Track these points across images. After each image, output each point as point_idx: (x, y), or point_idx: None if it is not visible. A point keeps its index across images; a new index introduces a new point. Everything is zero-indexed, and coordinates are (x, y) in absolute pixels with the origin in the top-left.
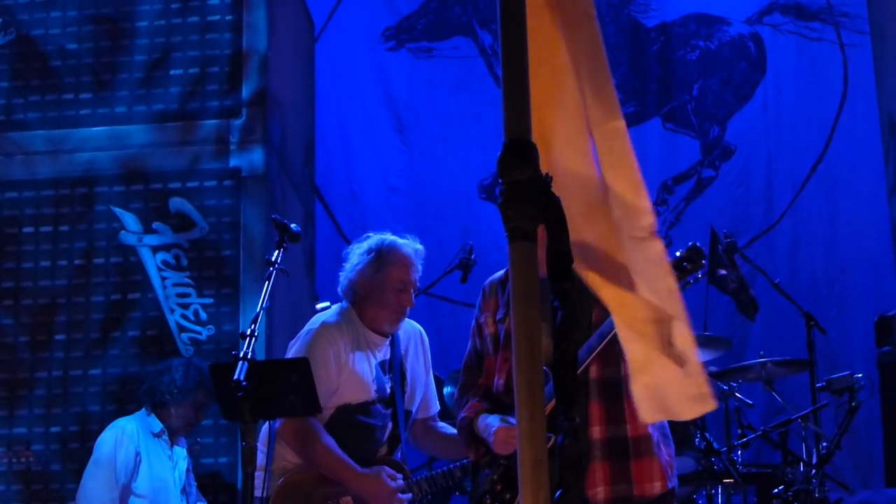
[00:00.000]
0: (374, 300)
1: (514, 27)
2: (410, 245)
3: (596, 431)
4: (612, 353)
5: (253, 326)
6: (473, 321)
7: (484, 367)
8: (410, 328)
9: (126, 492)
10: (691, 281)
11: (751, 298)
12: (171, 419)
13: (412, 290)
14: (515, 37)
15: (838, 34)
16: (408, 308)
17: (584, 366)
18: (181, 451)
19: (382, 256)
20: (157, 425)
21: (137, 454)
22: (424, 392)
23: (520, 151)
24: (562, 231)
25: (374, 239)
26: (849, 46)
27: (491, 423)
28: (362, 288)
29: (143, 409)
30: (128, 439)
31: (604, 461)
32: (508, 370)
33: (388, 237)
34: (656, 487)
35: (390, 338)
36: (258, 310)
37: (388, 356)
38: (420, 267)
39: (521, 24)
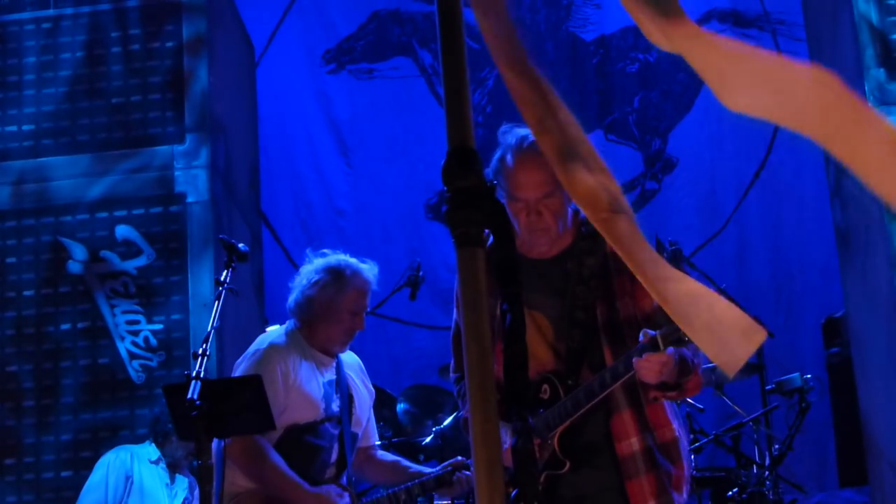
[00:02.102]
0: (328, 319)
1: (452, 35)
2: (370, 270)
3: (634, 444)
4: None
5: (204, 346)
6: (455, 288)
7: None
8: (351, 358)
9: None
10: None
11: None
12: (171, 447)
13: (363, 315)
14: (454, 46)
15: (775, 41)
16: (357, 331)
17: (599, 397)
18: (183, 481)
19: (344, 278)
20: (155, 453)
21: (128, 479)
22: (368, 420)
23: (463, 159)
24: (507, 236)
25: (334, 259)
26: (786, 53)
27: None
28: (318, 306)
29: (149, 439)
30: (119, 464)
31: (648, 473)
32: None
33: (350, 259)
34: (683, 494)
35: (336, 361)
36: (209, 329)
37: (334, 377)
38: (374, 292)
39: (459, 32)
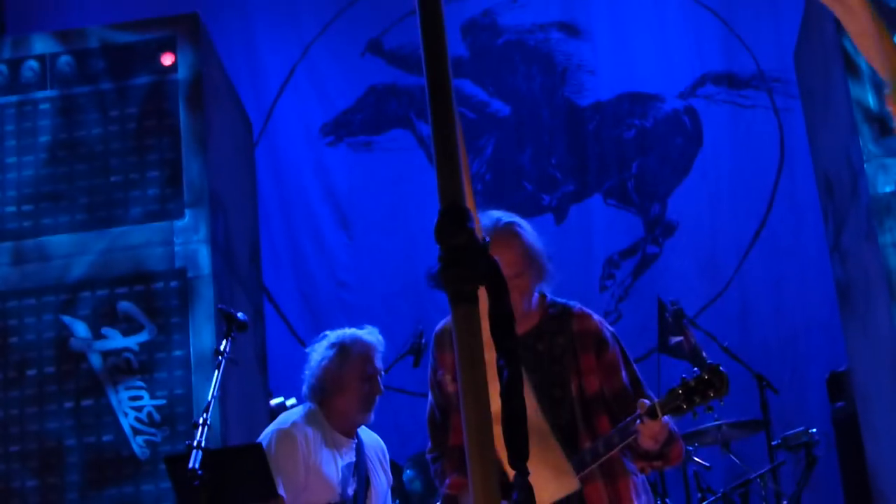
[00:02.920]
0: (342, 393)
1: (442, 95)
2: (371, 333)
3: None
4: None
5: (205, 415)
6: (430, 373)
7: (451, 425)
8: (373, 440)
9: None
10: (713, 406)
11: (703, 363)
12: None
13: (379, 378)
14: (443, 104)
15: (772, 99)
16: (377, 397)
17: (591, 467)
18: None
19: (346, 348)
20: None
21: None
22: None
23: (455, 217)
24: (502, 292)
25: (333, 334)
26: (783, 111)
27: None
28: (329, 383)
29: None
30: None
31: None
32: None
33: (348, 330)
34: None
35: (356, 442)
36: (209, 398)
37: (353, 459)
38: (382, 353)
39: (448, 91)
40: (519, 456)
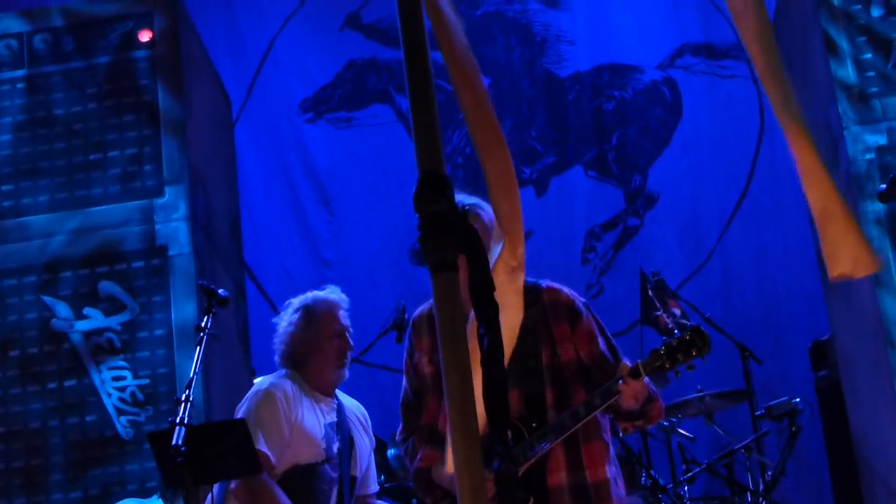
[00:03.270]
0: (314, 354)
1: (418, 64)
2: (333, 292)
3: (561, 477)
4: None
5: (187, 391)
6: (405, 356)
7: (425, 406)
8: (354, 404)
9: None
10: (695, 365)
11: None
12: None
13: (347, 335)
14: (420, 74)
15: (751, 69)
16: (349, 352)
17: (567, 433)
18: None
19: (310, 309)
20: None
21: None
22: (367, 466)
23: (434, 184)
24: (481, 260)
25: (297, 300)
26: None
27: None
28: (299, 346)
29: (157, 493)
30: None
31: None
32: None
33: (310, 293)
34: None
35: (336, 403)
36: (191, 374)
37: (335, 419)
38: (347, 311)
39: (425, 61)
40: (500, 424)
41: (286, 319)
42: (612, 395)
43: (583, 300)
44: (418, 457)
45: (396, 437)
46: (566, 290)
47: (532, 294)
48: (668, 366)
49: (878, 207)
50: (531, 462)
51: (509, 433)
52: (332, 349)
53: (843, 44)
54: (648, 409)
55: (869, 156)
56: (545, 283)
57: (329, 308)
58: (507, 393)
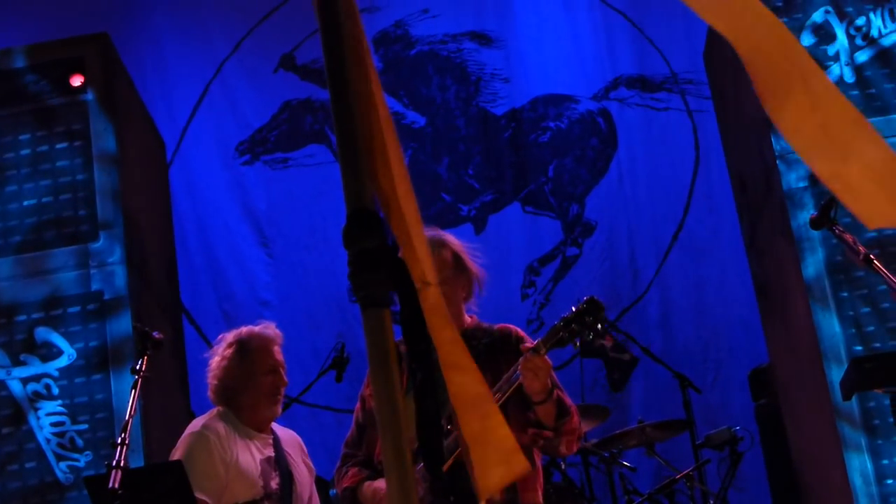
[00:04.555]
0: (247, 390)
1: (344, 102)
2: (267, 327)
3: (495, 496)
4: (517, 421)
5: (123, 435)
6: (358, 406)
7: (364, 440)
8: (289, 436)
9: None
10: (590, 337)
11: (632, 358)
12: None
13: (282, 371)
14: (347, 110)
15: (685, 101)
16: (283, 388)
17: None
18: None
19: (243, 344)
20: None
21: None
22: (310, 496)
23: (364, 221)
24: (412, 295)
25: (230, 334)
26: (696, 112)
27: (379, 486)
28: (232, 381)
29: None
30: None
31: None
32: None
33: (244, 328)
34: None
35: (273, 437)
36: (127, 417)
37: (272, 454)
38: (281, 346)
39: (351, 98)
40: (434, 460)
41: (219, 354)
42: (516, 379)
43: (530, 340)
44: (345, 475)
45: (344, 451)
46: (517, 329)
47: (486, 331)
48: (566, 336)
49: (812, 234)
50: (451, 461)
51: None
52: (265, 385)
53: None
54: (561, 424)
55: (802, 184)
56: (499, 325)
57: (263, 343)
58: (440, 426)
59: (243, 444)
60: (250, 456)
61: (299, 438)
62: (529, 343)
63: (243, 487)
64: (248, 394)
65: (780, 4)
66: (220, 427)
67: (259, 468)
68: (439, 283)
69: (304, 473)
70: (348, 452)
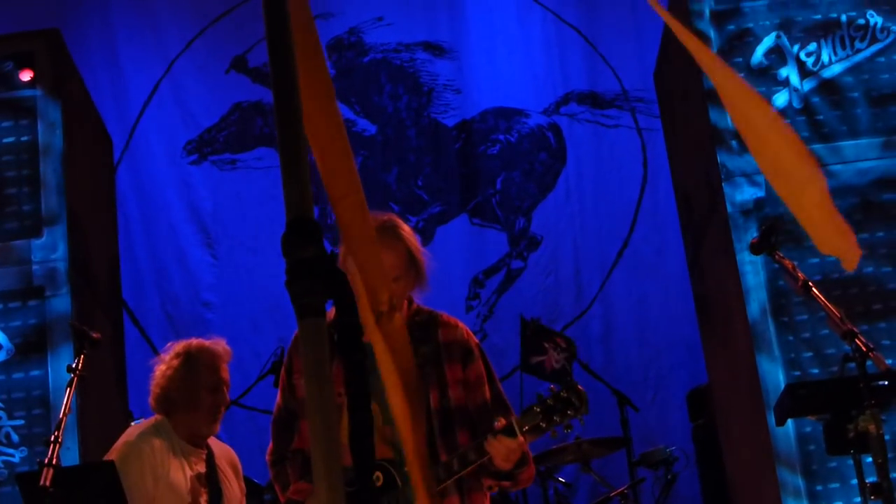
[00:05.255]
0: (188, 404)
1: (287, 105)
2: (217, 343)
3: None
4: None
5: (56, 433)
6: (282, 373)
7: (298, 429)
8: (224, 452)
9: None
10: (573, 426)
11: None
12: None
13: (225, 389)
14: (289, 115)
15: (635, 119)
16: (222, 408)
17: (444, 484)
18: None
19: (192, 358)
20: None
21: None
22: None
23: (303, 230)
24: (349, 304)
25: (179, 344)
26: (646, 130)
27: None
28: (174, 392)
29: None
30: None
31: None
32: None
33: (194, 340)
34: None
35: (207, 452)
36: (61, 415)
37: (203, 470)
38: (228, 364)
39: (294, 101)
40: (364, 470)
41: (166, 362)
42: (485, 453)
43: (477, 341)
44: (290, 489)
45: (267, 459)
46: (462, 326)
47: (427, 328)
48: (544, 426)
49: (755, 259)
50: None
51: (380, 476)
52: (207, 402)
53: None
54: (518, 473)
55: (747, 206)
56: (444, 315)
57: (211, 359)
58: (373, 438)
59: (176, 458)
60: (181, 471)
61: (235, 456)
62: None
63: (171, 502)
64: (189, 408)
65: (732, 28)
66: (155, 439)
67: (189, 484)
68: (393, 279)
69: (234, 491)
70: (282, 438)
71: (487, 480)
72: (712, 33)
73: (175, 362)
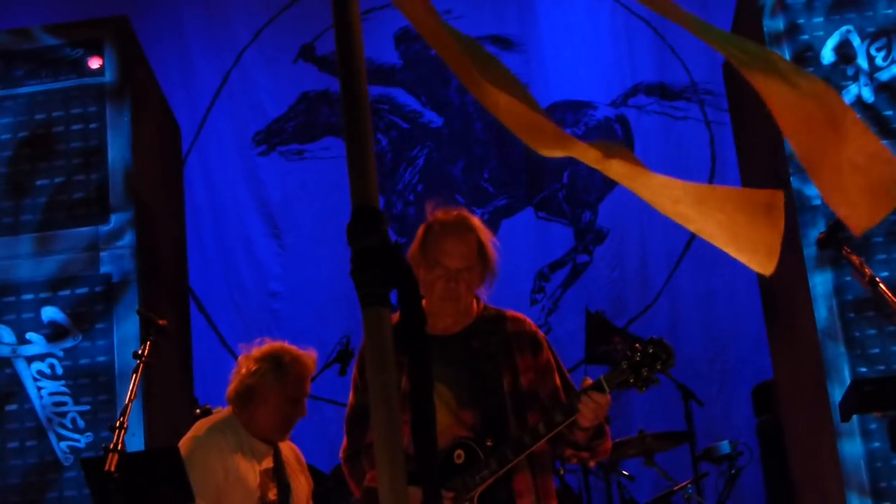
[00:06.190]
0: (268, 408)
1: (354, 95)
2: (310, 356)
3: (528, 502)
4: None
5: (122, 419)
6: (354, 371)
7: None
8: (289, 448)
9: None
10: (659, 379)
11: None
12: None
13: (304, 401)
14: (356, 105)
15: (703, 112)
16: (297, 419)
17: (529, 449)
18: None
19: (283, 365)
20: None
21: None
22: None
23: (367, 218)
24: (414, 294)
25: (274, 346)
26: (714, 124)
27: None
28: (258, 394)
29: None
30: None
31: None
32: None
33: (288, 346)
34: None
35: (273, 449)
36: (126, 401)
37: (271, 465)
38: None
39: (360, 89)
40: (426, 459)
41: (255, 360)
42: (573, 412)
43: (542, 334)
44: (367, 478)
45: (341, 455)
46: (529, 320)
47: (496, 322)
48: (632, 381)
49: (823, 254)
50: (489, 482)
51: (461, 454)
52: (286, 411)
53: None
54: (597, 444)
55: (816, 202)
56: (511, 312)
57: (302, 372)
58: (434, 428)
59: (244, 453)
60: (250, 466)
61: (299, 451)
62: (548, 352)
63: (240, 496)
64: (266, 412)
65: (801, 21)
66: (224, 434)
67: (258, 479)
68: (465, 269)
69: (302, 485)
70: (356, 434)
71: (568, 451)
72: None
73: (265, 364)
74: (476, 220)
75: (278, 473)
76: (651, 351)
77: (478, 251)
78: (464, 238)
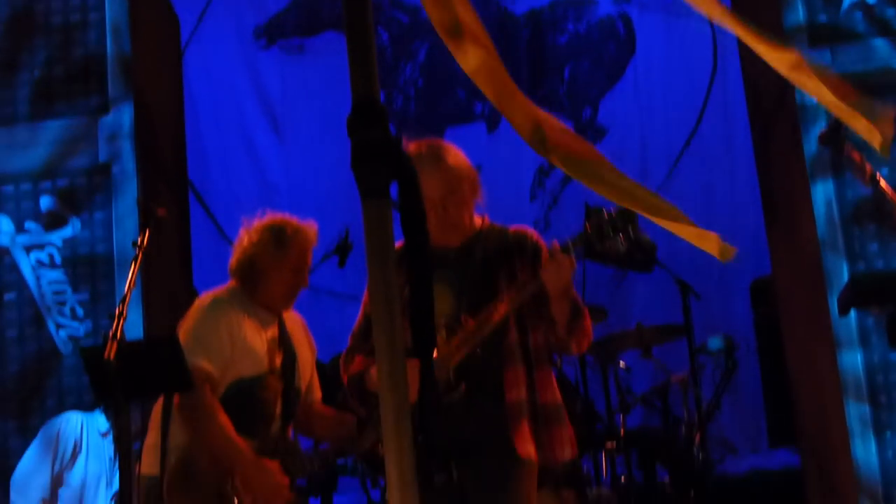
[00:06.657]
0: (270, 278)
1: None
2: (311, 226)
3: (520, 393)
4: (531, 319)
5: (121, 307)
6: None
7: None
8: (293, 315)
9: (58, 481)
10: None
11: (649, 245)
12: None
13: (307, 271)
14: None
15: None
16: (300, 289)
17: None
18: None
19: (286, 237)
20: (105, 425)
21: (76, 446)
22: (311, 376)
23: (368, 110)
24: (413, 186)
25: (276, 218)
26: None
27: None
28: (260, 264)
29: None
30: (70, 430)
31: (528, 420)
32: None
33: (289, 217)
34: (567, 453)
35: (278, 317)
36: (126, 290)
37: (276, 334)
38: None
39: None
40: (424, 346)
41: (258, 231)
42: (538, 277)
43: (544, 244)
44: (351, 362)
45: (340, 362)
46: (532, 232)
47: (500, 234)
48: (595, 245)
49: (824, 150)
50: (462, 353)
51: (443, 332)
52: (288, 281)
53: None
54: (575, 324)
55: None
56: (514, 226)
57: (304, 243)
58: (433, 318)
59: (251, 321)
60: (257, 334)
61: (303, 319)
62: (554, 242)
63: (249, 363)
64: (270, 283)
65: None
66: (230, 304)
67: (265, 346)
68: (447, 194)
69: (306, 352)
70: (355, 345)
71: (544, 327)
72: None
73: (267, 234)
74: (448, 146)
75: (283, 341)
76: (614, 214)
77: (455, 175)
78: (437, 167)
